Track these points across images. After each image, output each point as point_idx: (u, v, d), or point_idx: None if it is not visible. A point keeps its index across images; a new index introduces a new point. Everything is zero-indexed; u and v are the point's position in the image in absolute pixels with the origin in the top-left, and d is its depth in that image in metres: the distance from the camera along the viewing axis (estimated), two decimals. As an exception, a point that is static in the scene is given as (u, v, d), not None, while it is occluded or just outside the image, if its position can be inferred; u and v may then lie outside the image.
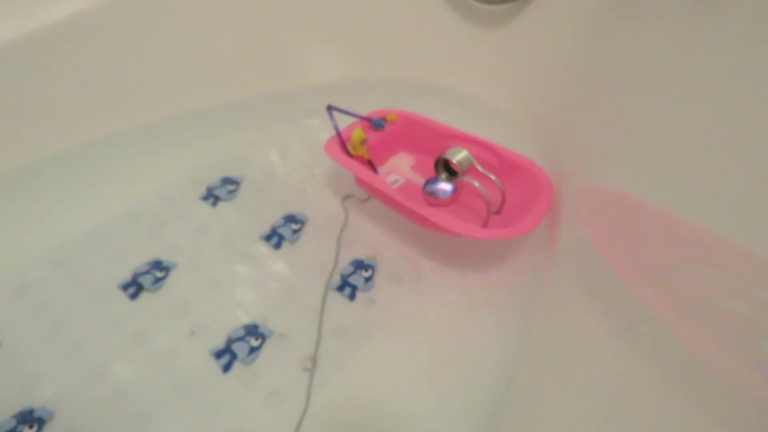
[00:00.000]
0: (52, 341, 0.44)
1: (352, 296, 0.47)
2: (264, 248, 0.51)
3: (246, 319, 0.45)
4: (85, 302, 0.46)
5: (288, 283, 0.48)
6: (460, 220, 0.43)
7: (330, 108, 0.53)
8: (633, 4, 0.48)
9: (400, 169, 0.58)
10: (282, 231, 0.52)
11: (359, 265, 0.49)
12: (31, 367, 0.42)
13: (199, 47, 0.68)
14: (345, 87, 0.73)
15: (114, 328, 0.45)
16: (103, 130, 0.63)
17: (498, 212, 0.49)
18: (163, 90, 0.67)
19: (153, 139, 0.64)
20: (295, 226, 0.53)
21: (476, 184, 0.46)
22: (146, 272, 0.48)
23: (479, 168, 0.49)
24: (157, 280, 0.48)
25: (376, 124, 0.56)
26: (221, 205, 0.56)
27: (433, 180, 0.51)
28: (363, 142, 0.53)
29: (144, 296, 0.47)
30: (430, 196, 0.51)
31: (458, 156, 0.49)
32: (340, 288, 0.47)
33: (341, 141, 0.53)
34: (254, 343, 0.43)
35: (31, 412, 0.39)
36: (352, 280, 0.48)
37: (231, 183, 0.58)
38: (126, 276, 0.48)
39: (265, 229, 0.53)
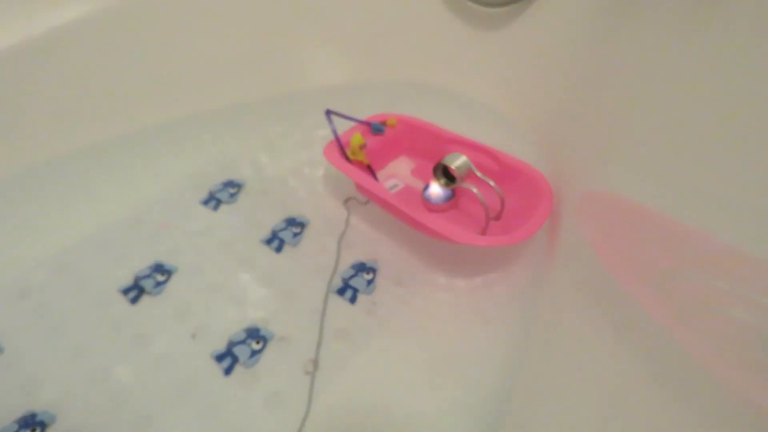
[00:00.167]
0: (54, 345, 0.44)
1: (353, 299, 0.47)
2: (265, 251, 0.51)
3: (247, 323, 0.45)
4: (86, 306, 0.47)
5: (289, 286, 0.48)
6: (459, 226, 0.43)
7: (329, 112, 0.53)
8: (633, 5, 0.48)
9: (400, 174, 0.58)
10: (283, 234, 0.52)
11: (360, 267, 0.49)
12: (33, 371, 0.42)
13: (199, 51, 0.68)
14: (346, 89, 0.74)
15: (115, 332, 0.45)
16: (104, 134, 0.63)
17: (498, 218, 0.49)
18: (164, 93, 0.67)
19: (154, 142, 0.64)
20: (296, 229, 0.53)
21: (475, 190, 0.46)
22: (148, 276, 0.48)
23: (478, 174, 0.48)
24: (159, 283, 0.48)
25: (375, 128, 0.56)
26: (222, 208, 0.56)
27: (432, 185, 0.51)
28: (362, 146, 0.53)
29: (145, 300, 0.47)
30: (430, 202, 0.51)
31: (457, 162, 0.48)
32: (341, 291, 0.47)
33: (340, 146, 0.53)
34: (255, 346, 0.43)
35: (33, 415, 0.39)
36: (353, 282, 0.48)
37: (232, 186, 0.58)
38: (127, 279, 0.48)
39: (266, 232, 0.53)
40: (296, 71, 0.74)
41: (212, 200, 0.57)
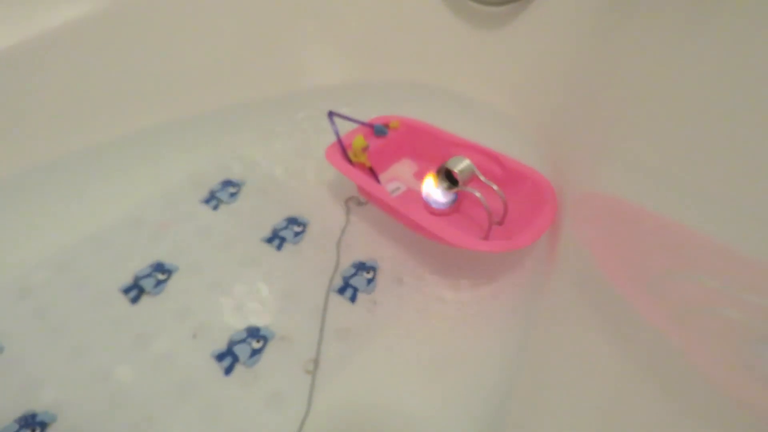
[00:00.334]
0: (55, 345, 0.44)
1: (353, 298, 0.47)
2: (266, 250, 0.51)
3: (247, 322, 0.45)
4: (87, 305, 0.47)
5: (289, 286, 0.48)
6: (462, 230, 0.43)
7: (331, 114, 0.53)
8: (634, 3, 0.48)
9: (403, 177, 0.57)
10: (283, 233, 0.52)
11: (361, 266, 0.49)
12: (33, 371, 0.42)
13: (198, 51, 0.68)
14: (346, 89, 0.74)
15: (116, 332, 0.45)
16: (103, 134, 0.63)
17: (501, 222, 0.48)
18: (164, 94, 0.67)
19: (154, 142, 0.64)
20: (296, 228, 0.53)
21: (477, 194, 0.45)
22: (148, 275, 0.48)
23: (481, 177, 0.48)
24: (159, 283, 0.48)
25: (378, 130, 0.56)
26: (223, 207, 0.56)
27: (434, 189, 0.51)
28: (364, 149, 0.53)
29: (145, 299, 0.47)
30: (432, 206, 0.51)
31: (460, 165, 0.48)
32: (342, 290, 0.47)
33: (342, 148, 0.52)
34: (256, 345, 0.43)
35: (33, 415, 0.39)
36: (353, 282, 0.48)
37: (232, 186, 0.58)
38: (127, 279, 0.48)
39: (267, 231, 0.53)
40: (296, 71, 0.74)
41: (212, 200, 0.56)
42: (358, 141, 0.52)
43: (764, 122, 0.27)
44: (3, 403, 0.40)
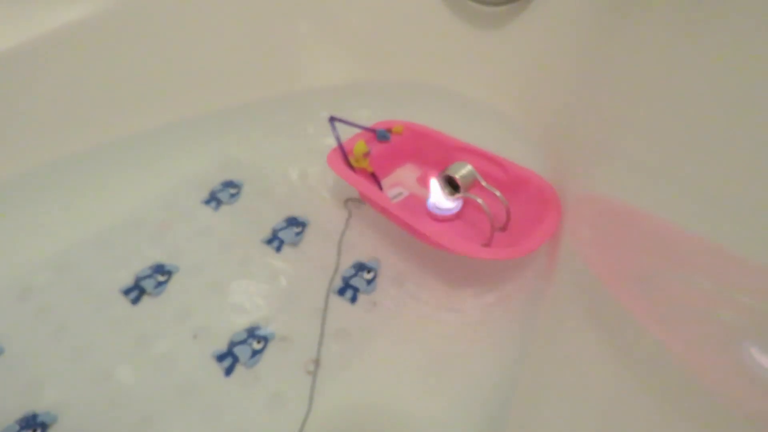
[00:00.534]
0: (55, 346, 0.44)
1: (353, 299, 0.47)
2: (266, 251, 0.51)
3: (248, 323, 0.45)
4: (87, 306, 0.47)
5: (290, 286, 0.48)
6: (464, 236, 0.43)
7: (332, 119, 0.52)
8: (634, 3, 0.48)
9: (406, 182, 0.57)
10: (283, 234, 0.52)
11: (361, 267, 0.49)
12: (34, 372, 0.42)
13: (199, 51, 0.68)
14: (347, 89, 0.74)
15: (116, 332, 0.45)
16: (103, 135, 0.64)
17: (503, 229, 0.48)
18: (164, 94, 0.67)
19: (155, 143, 0.64)
20: (296, 229, 0.53)
21: (479, 200, 0.45)
22: (148, 276, 0.48)
23: (484, 183, 0.48)
24: (159, 284, 0.48)
25: (381, 135, 0.56)
26: (223, 208, 0.56)
27: (437, 195, 0.50)
28: (366, 154, 0.53)
29: (146, 300, 0.47)
30: (435, 212, 0.51)
31: (462, 171, 0.47)
32: (342, 291, 0.47)
33: (343, 153, 0.52)
34: (256, 346, 0.43)
35: (34, 416, 0.39)
36: (353, 282, 0.48)
37: (233, 186, 0.58)
38: (128, 280, 0.48)
39: (267, 232, 0.53)
40: (297, 71, 0.74)
41: (213, 200, 0.57)
42: (359, 146, 0.52)
43: (764, 123, 0.27)
44: (4, 403, 0.40)
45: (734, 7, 0.34)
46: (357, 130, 0.56)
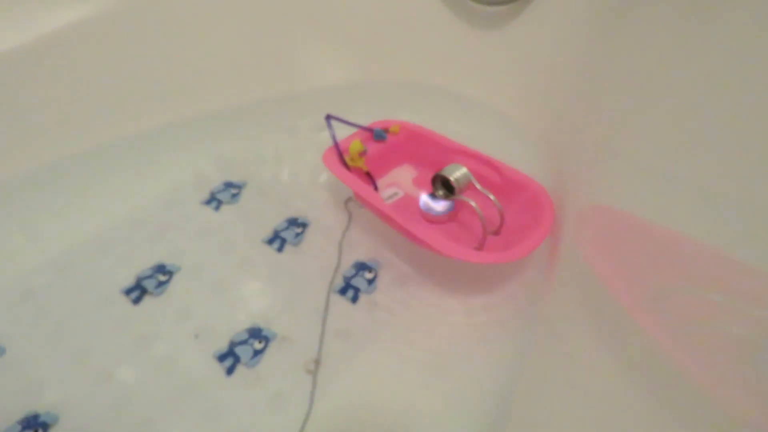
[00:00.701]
0: (57, 346, 0.44)
1: (354, 299, 0.47)
2: (267, 251, 0.51)
3: (249, 323, 0.45)
4: (89, 307, 0.47)
5: (291, 286, 0.48)
6: (457, 239, 0.42)
7: (329, 118, 0.52)
8: (635, 3, 0.48)
9: (401, 183, 0.57)
10: (284, 234, 0.52)
11: (362, 267, 0.49)
12: (35, 372, 0.42)
13: (199, 52, 0.68)
14: (347, 90, 0.74)
15: (118, 333, 0.45)
16: (105, 136, 0.64)
17: (497, 233, 0.48)
18: (165, 95, 0.67)
19: (155, 144, 0.64)
20: (297, 229, 0.53)
21: (473, 203, 0.45)
22: (149, 276, 0.48)
23: (478, 186, 0.47)
24: (161, 284, 0.48)
25: (377, 135, 0.56)
26: (224, 208, 0.56)
27: (431, 196, 0.50)
28: (362, 153, 0.53)
29: (147, 300, 0.47)
30: (428, 213, 0.50)
31: (456, 173, 0.47)
32: (343, 290, 0.47)
33: (339, 152, 0.52)
34: (257, 346, 0.43)
35: (35, 416, 0.39)
36: (354, 282, 0.48)
37: (233, 187, 0.58)
38: (129, 280, 0.48)
39: (268, 232, 0.53)
40: (296, 72, 0.74)
41: (214, 201, 0.57)
42: (355, 145, 0.52)
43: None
44: (5, 404, 0.40)
45: (735, 7, 0.34)
46: (355, 130, 0.56)
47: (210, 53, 0.69)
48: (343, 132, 0.55)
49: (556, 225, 0.47)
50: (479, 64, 0.70)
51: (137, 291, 0.47)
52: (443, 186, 0.49)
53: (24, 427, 0.38)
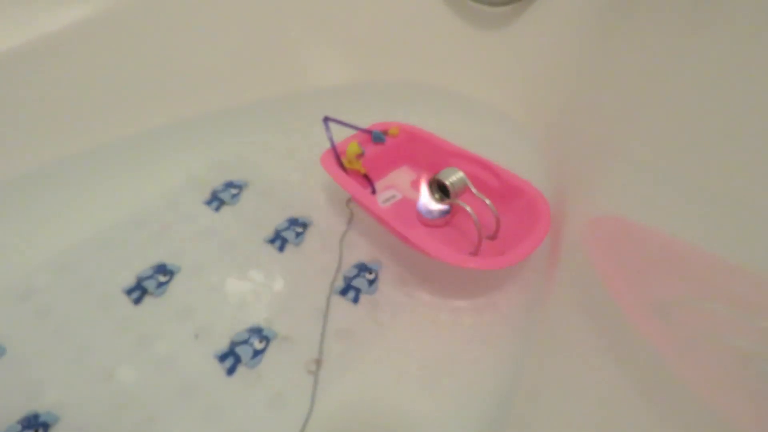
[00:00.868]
0: (57, 346, 0.44)
1: (355, 299, 0.47)
2: (268, 251, 0.51)
3: (250, 322, 0.45)
4: (89, 307, 0.47)
5: (292, 286, 0.48)
6: (452, 244, 0.42)
7: (326, 120, 0.52)
8: (636, 2, 0.48)
9: (399, 185, 0.57)
10: (285, 234, 0.52)
11: (363, 268, 0.49)
12: (36, 372, 0.42)
13: (199, 52, 0.68)
14: (347, 90, 0.74)
15: (118, 333, 0.45)
16: (105, 136, 0.64)
17: (493, 237, 0.47)
18: (165, 95, 0.67)
19: (156, 143, 0.64)
20: (298, 229, 0.53)
21: (468, 208, 0.44)
22: (150, 276, 0.48)
23: (474, 191, 0.46)
24: (161, 284, 0.48)
25: (376, 137, 0.56)
26: (225, 208, 0.56)
27: (427, 199, 0.49)
28: (359, 155, 0.53)
29: (148, 300, 0.47)
30: (425, 217, 0.50)
31: (452, 177, 0.46)
32: (344, 291, 0.47)
33: (336, 154, 0.52)
34: (258, 346, 0.43)
35: (36, 416, 0.39)
36: (355, 283, 0.48)
37: (234, 187, 0.58)
38: (130, 280, 0.48)
39: (269, 232, 0.53)
40: (299, 72, 0.74)
41: (215, 200, 0.57)
42: (352, 147, 0.52)
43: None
44: (6, 404, 0.40)
45: (737, 6, 0.34)
46: (354, 132, 0.55)
47: (210, 53, 0.69)
48: (342, 133, 0.55)
49: (556, 228, 0.46)
50: (480, 64, 0.70)
51: (138, 291, 0.47)
52: (439, 190, 0.48)
53: (24, 427, 0.38)
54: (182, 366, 0.42)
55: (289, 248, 0.51)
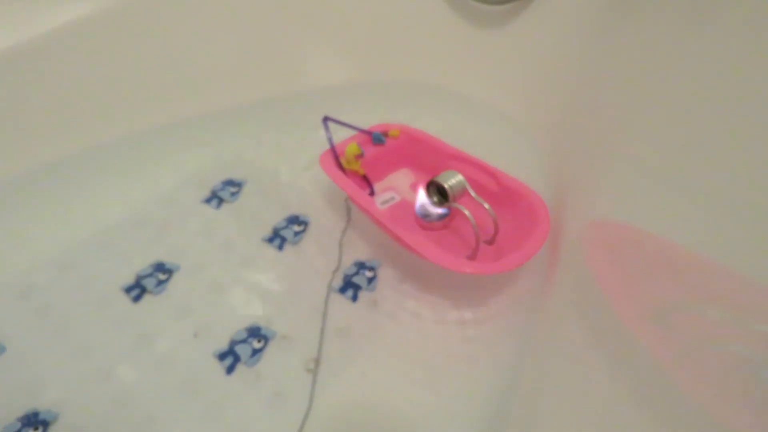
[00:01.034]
0: (56, 344, 0.44)
1: (354, 297, 0.47)
2: (267, 250, 0.51)
3: (249, 321, 0.45)
4: (88, 305, 0.47)
5: (290, 285, 0.48)
6: (450, 248, 0.41)
7: (326, 120, 0.52)
8: (636, 2, 0.48)
9: (399, 187, 0.56)
10: (284, 232, 0.52)
11: (362, 266, 0.49)
12: (35, 370, 0.42)
13: (199, 51, 0.68)
14: (347, 89, 0.74)
15: (117, 331, 0.45)
16: (105, 134, 0.64)
17: (491, 242, 0.47)
18: (164, 94, 0.67)
19: (156, 142, 0.64)
20: (297, 228, 0.53)
21: (466, 212, 0.44)
22: (149, 275, 0.48)
23: (473, 194, 0.46)
24: (160, 282, 0.48)
25: (376, 138, 0.55)
26: (224, 207, 0.56)
27: (426, 202, 0.49)
28: (358, 156, 0.53)
29: (147, 299, 0.47)
30: (423, 219, 0.50)
31: (451, 180, 0.46)
32: (343, 289, 0.47)
33: (335, 155, 0.52)
34: (257, 344, 0.43)
35: (35, 414, 0.39)
36: (354, 281, 0.48)
37: (233, 185, 0.58)
38: (129, 279, 0.48)
39: (268, 230, 0.53)
40: (298, 71, 0.74)
41: (214, 199, 0.57)
42: (351, 148, 0.52)
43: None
44: (5, 401, 0.40)
45: (737, 6, 0.33)
46: (354, 132, 0.55)
47: (210, 52, 0.69)
48: (343, 134, 0.55)
49: (556, 231, 0.46)
50: (480, 63, 0.70)
51: (137, 289, 0.47)
52: (438, 193, 0.48)
53: (24, 425, 0.38)
54: (181, 364, 0.42)
55: (288, 247, 0.52)
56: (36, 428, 0.38)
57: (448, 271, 0.48)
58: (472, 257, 0.45)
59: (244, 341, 0.43)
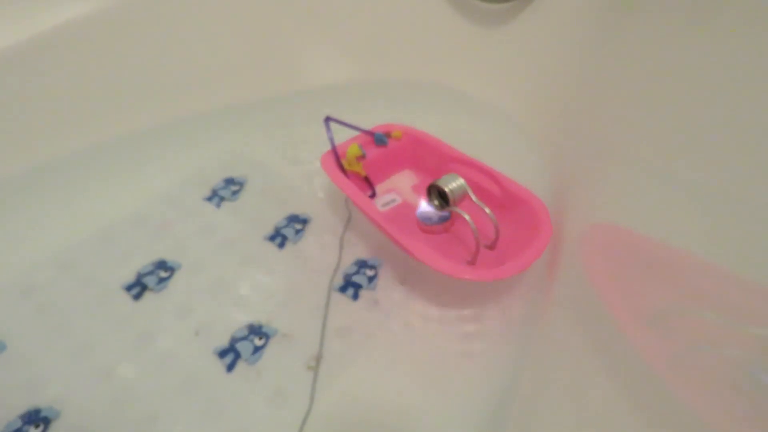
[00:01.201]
0: (58, 342, 0.44)
1: (355, 296, 0.47)
2: (267, 248, 0.51)
3: (249, 319, 0.45)
4: (90, 303, 0.47)
5: (291, 283, 0.48)
6: (450, 252, 0.41)
7: (327, 120, 0.51)
8: (636, 1, 0.48)
9: (400, 189, 0.56)
10: (285, 231, 0.52)
11: (363, 264, 0.49)
12: (37, 368, 0.42)
13: (201, 50, 0.68)
14: (348, 88, 0.74)
15: (119, 329, 0.45)
16: (106, 133, 0.64)
17: (491, 247, 0.47)
18: (165, 93, 0.67)
19: (157, 141, 0.64)
20: (298, 226, 0.53)
21: (467, 217, 0.43)
22: (150, 273, 0.48)
23: (474, 198, 0.45)
24: (161, 280, 0.48)
25: (378, 139, 0.55)
26: (225, 205, 0.56)
27: (427, 205, 0.49)
28: (359, 157, 0.52)
29: (148, 297, 0.47)
30: (424, 223, 0.50)
31: (452, 184, 0.45)
32: (344, 288, 0.47)
33: (336, 156, 0.52)
34: (258, 342, 0.43)
35: (37, 411, 0.39)
36: (355, 279, 0.48)
37: (234, 184, 0.58)
38: (130, 277, 0.48)
39: (269, 229, 0.53)
40: (300, 70, 0.74)
41: (215, 197, 0.57)
42: (353, 149, 0.52)
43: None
44: (7, 399, 0.40)
45: (737, 6, 0.33)
46: (357, 133, 0.55)
47: (210, 51, 0.69)
48: (345, 134, 0.54)
49: (556, 234, 0.46)
50: (481, 61, 0.70)
51: (138, 287, 0.47)
52: (439, 196, 0.47)
53: (25, 422, 0.38)
54: (182, 362, 0.42)
55: (289, 245, 0.52)
56: (37, 426, 0.38)
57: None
58: (472, 262, 0.45)
59: (244, 339, 0.43)
